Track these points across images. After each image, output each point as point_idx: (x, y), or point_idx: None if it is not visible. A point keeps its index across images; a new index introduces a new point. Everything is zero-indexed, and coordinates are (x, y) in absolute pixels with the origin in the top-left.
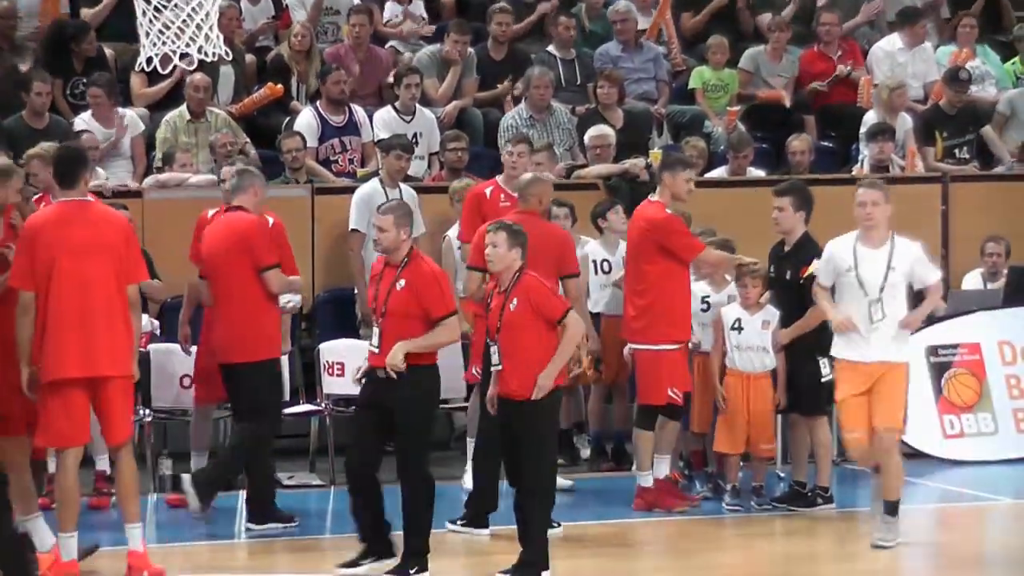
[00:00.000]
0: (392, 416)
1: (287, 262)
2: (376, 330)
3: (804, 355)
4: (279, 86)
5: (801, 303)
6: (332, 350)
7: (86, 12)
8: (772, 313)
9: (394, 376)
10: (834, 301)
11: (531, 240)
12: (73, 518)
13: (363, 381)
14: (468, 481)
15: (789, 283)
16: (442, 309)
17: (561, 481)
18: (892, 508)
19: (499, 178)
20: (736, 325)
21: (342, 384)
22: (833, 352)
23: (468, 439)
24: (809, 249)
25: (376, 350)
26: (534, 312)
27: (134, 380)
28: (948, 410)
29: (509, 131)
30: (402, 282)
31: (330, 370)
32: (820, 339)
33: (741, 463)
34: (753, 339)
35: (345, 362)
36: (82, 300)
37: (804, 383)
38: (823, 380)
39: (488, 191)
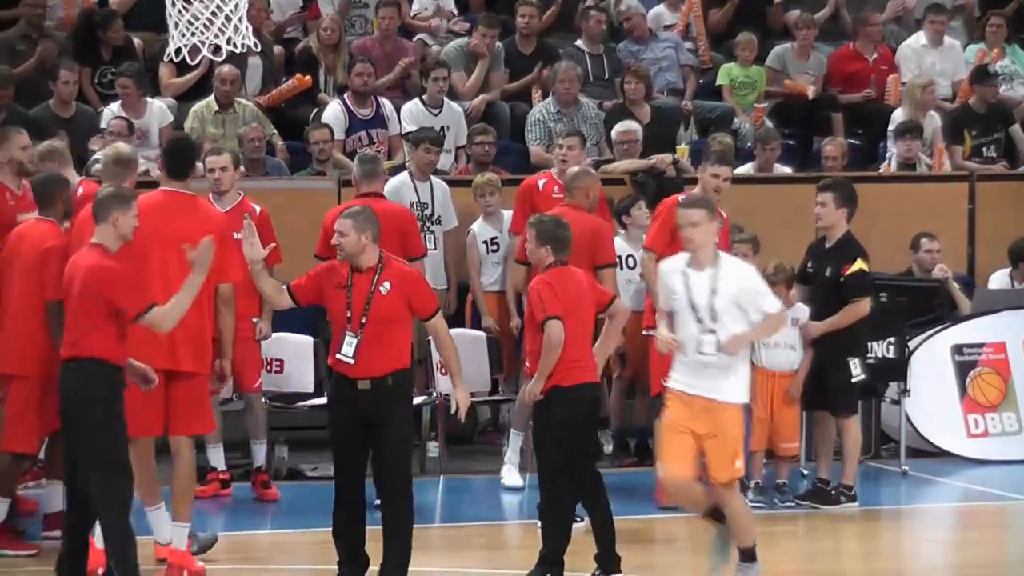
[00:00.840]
0: (375, 427)
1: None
2: (352, 340)
3: (836, 355)
4: (307, 78)
5: (838, 301)
6: None
7: (114, 0)
8: (802, 311)
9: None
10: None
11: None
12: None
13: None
14: (507, 476)
15: (828, 280)
16: (432, 305)
17: None
18: (747, 554)
19: (553, 171)
20: None
21: None
22: (667, 383)
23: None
24: (853, 247)
25: (351, 361)
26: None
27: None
28: (972, 409)
29: (536, 125)
30: (387, 285)
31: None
32: (853, 340)
33: (765, 460)
34: (783, 337)
35: None
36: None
37: (836, 383)
38: (854, 380)
39: (541, 183)
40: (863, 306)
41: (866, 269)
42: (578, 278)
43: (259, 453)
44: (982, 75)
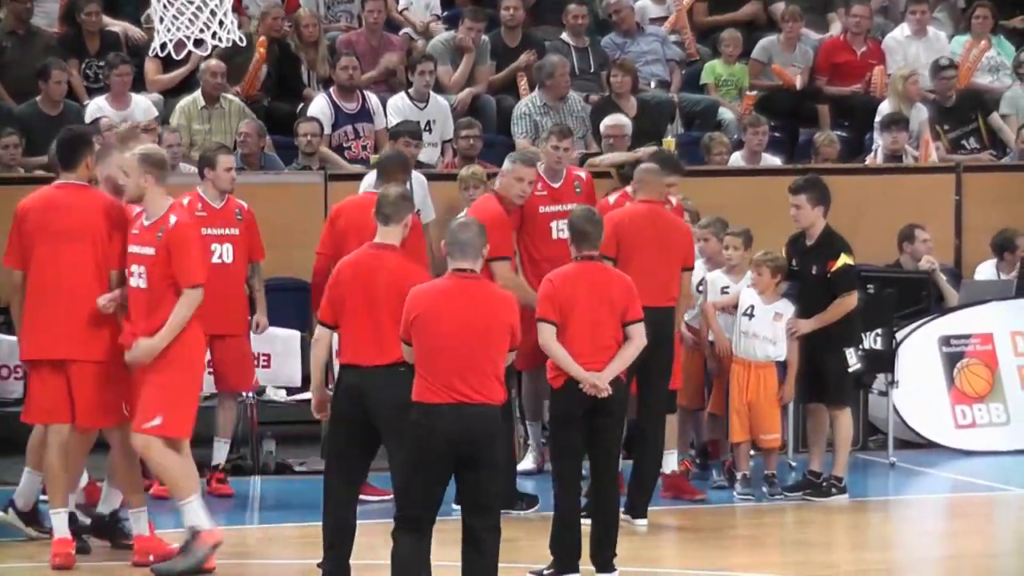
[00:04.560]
0: None
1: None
2: None
3: (831, 346)
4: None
5: (827, 297)
6: None
7: None
8: (786, 306)
9: None
10: None
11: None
12: (58, 494)
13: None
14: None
15: (815, 278)
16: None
17: None
18: None
19: (540, 167)
20: (749, 311)
21: None
22: None
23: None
24: (834, 243)
25: None
26: None
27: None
28: (960, 400)
29: (523, 119)
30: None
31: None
32: (848, 330)
33: (751, 452)
34: (762, 328)
35: None
36: (55, 284)
37: (831, 373)
38: (851, 370)
39: None
40: (851, 300)
41: (851, 263)
42: (600, 278)
43: (221, 451)
44: (936, 69)
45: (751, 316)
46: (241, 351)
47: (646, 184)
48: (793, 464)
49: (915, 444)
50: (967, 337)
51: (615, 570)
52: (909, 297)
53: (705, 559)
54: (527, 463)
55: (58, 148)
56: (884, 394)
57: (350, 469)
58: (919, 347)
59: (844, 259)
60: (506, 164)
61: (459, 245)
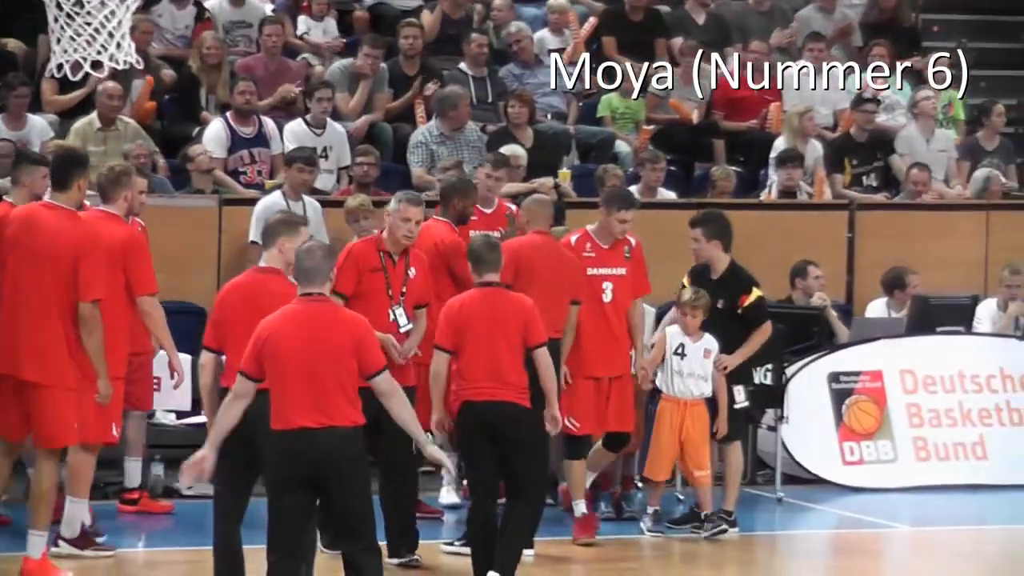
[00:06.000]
0: None
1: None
2: None
3: (722, 381)
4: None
5: (737, 329)
6: None
7: None
8: (712, 342)
9: None
10: None
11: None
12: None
13: None
14: (444, 495)
15: (723, 312)
16: None
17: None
18: None
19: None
20: (679, 350)
21: None
22: None
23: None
24: (742, 278)
25: None
26: None
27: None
28: (848, 437)
29: (419, 148)
30: None
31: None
32: (740, 367)
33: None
34: (694, 366)
35: None
36: (13, 303)
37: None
38: (737, 407)
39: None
40: (767, 329)
41: (762, 295)
42: (500, 303)
43: (134, 471)
44: (859, 101)
45: (683, 355)
46: (149, 369)
47: (535, 215)
48: (681, 497)
49: (803, 480)
50: (856, 374)
51: None
52: (800, 333)
53: None
54: (450, 497)
55: (51, 168)
56: (773, 429)
57: (243, 491)
58: (809, 383)
59: (756, 292)
60: (392, 203)
61: (304, 272)
